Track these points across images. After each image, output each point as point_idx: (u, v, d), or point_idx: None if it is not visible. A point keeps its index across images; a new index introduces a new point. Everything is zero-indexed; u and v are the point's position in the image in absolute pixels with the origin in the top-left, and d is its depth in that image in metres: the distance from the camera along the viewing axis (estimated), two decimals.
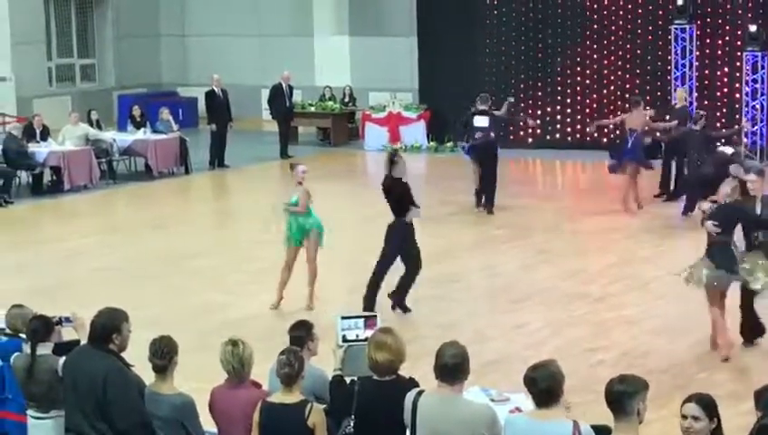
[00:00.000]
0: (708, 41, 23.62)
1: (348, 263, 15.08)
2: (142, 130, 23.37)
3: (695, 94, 23.61)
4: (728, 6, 23.43)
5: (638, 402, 5.77)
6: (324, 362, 7.52)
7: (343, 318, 7.35)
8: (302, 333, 7.41)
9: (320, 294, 13.34)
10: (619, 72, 24.48)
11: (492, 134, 18.92)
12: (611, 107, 24.62)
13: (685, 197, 18.20)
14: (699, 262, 11.54)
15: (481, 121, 18.77)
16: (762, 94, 22.86)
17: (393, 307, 12.94)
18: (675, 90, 23.41)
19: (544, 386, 6.01)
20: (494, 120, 18.92)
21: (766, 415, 5.97)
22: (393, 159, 12.89)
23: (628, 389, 5.78)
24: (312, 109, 27.12)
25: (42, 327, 7.63)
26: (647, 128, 19.20)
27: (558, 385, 6.03)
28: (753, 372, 11.00)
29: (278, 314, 12.45)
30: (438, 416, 6.34)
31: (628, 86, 24.29)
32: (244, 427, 6.85)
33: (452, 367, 6.35)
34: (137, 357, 7.17)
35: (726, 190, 11.51)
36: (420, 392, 6.48)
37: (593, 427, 6.15)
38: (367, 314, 7.51)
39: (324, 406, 6.89)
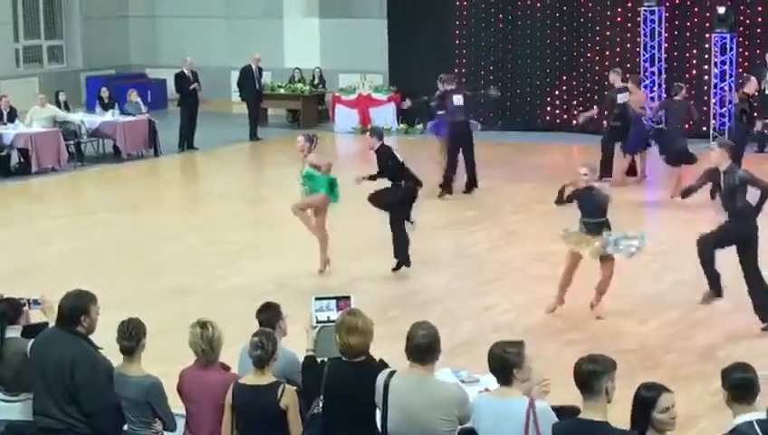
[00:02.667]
0: (677, 23, 23.72)
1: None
2: (111, 111, 23.23)
3: (663, 76, 23.71)
4: None
5: (607, 382, 5.79)
6: (294, 343, 7.51)
7: (317, 299, 7.35)
8: (270, 315, 7.41)
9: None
10: (589, 55, 24.54)
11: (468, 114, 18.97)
12: (581, 89, 24.69)
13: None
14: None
15: (459, 101, 18.67)
16: (730, 76, 22.96)
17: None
18: (644, 72, 23.52)
19: (494, 367, 6.19)
20: (468, 100, 18.90)
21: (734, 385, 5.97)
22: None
23: (597, 368, 5.80)
24: (282, 91, 27.05)
25: (10, 310, 7.59)
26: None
27: (508, 365, 6.14)
28: (719, 351, 11.06)
29: (249, 297, 12.41)
30: (410, 396, 6.36)
31: (597, 68, 24.35)
32: (213, 408, 6.85)
33: (423, 347, 6.38)
34: (106, 339, 7.14)
35: None
36: (392, 373, 6.51)
37: (561, 408, 6.19)
38: (339, 295, 7.50)
39: (295, 388, 6.90)
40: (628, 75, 20.77)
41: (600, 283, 12.06)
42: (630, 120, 19.08)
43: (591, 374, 5.78)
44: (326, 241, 13.94)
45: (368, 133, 14.22)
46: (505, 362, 6.15)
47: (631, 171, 19.45)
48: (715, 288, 11.73)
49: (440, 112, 19.19)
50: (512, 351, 6.18)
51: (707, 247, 11.61)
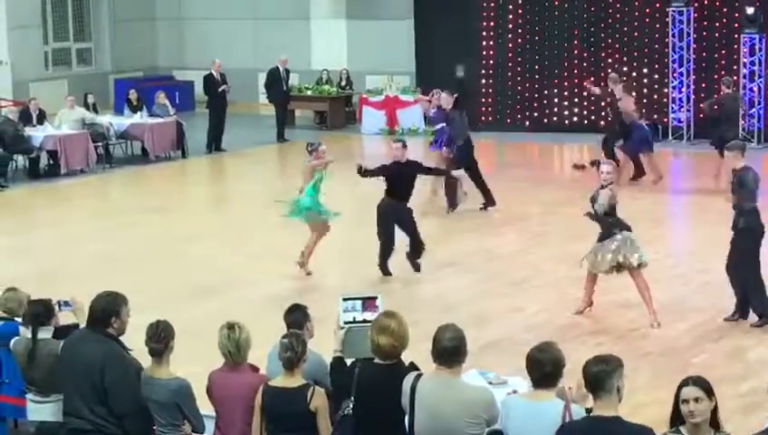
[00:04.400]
0: (705, 23, 23.60)
1: (344, 247, 15.10)
2: (139, 113, 23.33)
3: (692, 77, 23.60)
4: None
5: (618, 380, 5.83)
6: (320, 345, 7.51)
7: (344, 299, 7.33)
8: (298, 316, 7.40)
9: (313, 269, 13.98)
10: (617, 56, 24.45)
11: None
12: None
13: None
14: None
15: (465, 119, 18.14)
16: (759, 77, 22.84)
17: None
18: (672, 73, 23.44)
19: (549, 370, 6.09)
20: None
21: None
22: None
23: (607, 368, 5.83)
24: (309, 92, 27.07)
25: (43, 311, 7.65)
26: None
27: (561, 370, 6.11)
28: (749, 354, 11.03)
29: (275, 299, 12.45)
30: (437, 399, 6.35)
31: (625, 69, 24.24)
32: (243, 410, 6.86)
33: (450, 350, 6.37)
34: (132, 340, 7.16)
35: None
36: (419, 376, 6.50)
37: (587, 410, 6.16)
38: (366, 295, 7.47)
39: (324, 390, 6.89)
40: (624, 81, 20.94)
41: (641, 294, 12.03)
42: (626, 124, 19.25)
43: (602, 374, 5.81)
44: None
45: (400, 143, 14.06)
46: (559, 367, 6.11)
47: (639, 173, 19.42)
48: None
49: (440, 126, 18.42)
50: (559, 355, 6.15)
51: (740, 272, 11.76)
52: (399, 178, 13.82)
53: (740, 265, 11.80)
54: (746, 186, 11.70)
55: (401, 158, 13.85)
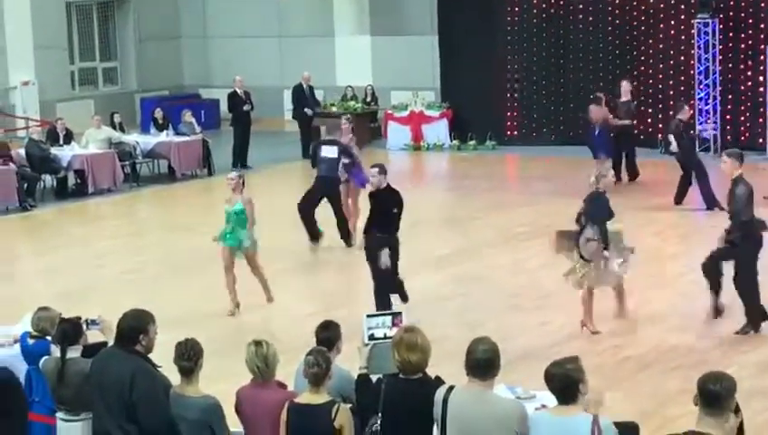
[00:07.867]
0: (731, 35, 23.48)
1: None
2: (165, 132, 23.44)
3: (719, 88, 23.47)
4: (751, 0, 23.31)
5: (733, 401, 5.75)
6: (343, 363, 7.50)
7: (369, 316, 7.33)
8: (331, 334, 7.41)
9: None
10: (642, 68, 24.36)
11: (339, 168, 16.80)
12: (634, 102, 24.50)
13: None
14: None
15: (332, 152, 16.84)
16: None
17: None
18: (698, 85, 23.36)
19: (561, 384, 6.05)
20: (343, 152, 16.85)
21: None
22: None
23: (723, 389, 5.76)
24: (334, 109, 27.11)
25: (71, 330, 7.69)
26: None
27: (573, 382, 6.05)
28: None
29: (301, 316, 12.44)
30: (470, 412, 6.34)
31: (651, 81, 24.19)
32: (271, 427, 6.86)
33: (484, 362, 6.36)
34: (160, 358, 7.18)
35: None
36: (451, 388, 6.48)
37: (619, 423, 6.13)
38: (392, 311, 7.47)
39: (350, 405, 6.90)
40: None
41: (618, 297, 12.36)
42: None
43: (724, 391, 5.73)
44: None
45: (375, 169, 12.64)
46: (570, 380, 6.06)
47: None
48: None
49: (346, 161, 16.95)
50: (573, 367, 6.11)
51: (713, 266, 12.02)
52: (379, 206, 12.59)
53: (741, 276, 11.88)
54: (739, 199, 11.78)
55: (379, 185, 12.59)
